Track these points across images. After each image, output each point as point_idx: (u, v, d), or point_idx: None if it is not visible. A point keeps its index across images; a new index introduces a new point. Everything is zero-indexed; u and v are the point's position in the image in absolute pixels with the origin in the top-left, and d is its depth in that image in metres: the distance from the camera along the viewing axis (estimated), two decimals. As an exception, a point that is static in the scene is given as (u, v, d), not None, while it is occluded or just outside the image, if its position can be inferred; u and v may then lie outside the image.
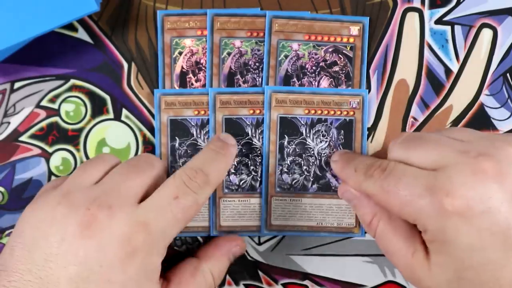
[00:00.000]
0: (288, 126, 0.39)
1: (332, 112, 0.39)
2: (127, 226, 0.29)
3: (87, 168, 0.34)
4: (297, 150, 0.39)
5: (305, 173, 0.39)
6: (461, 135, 0.32)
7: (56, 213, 0.30)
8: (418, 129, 0.40)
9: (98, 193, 0.31)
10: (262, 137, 0.39)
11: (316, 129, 0.39)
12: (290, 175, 0.39)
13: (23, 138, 0.39)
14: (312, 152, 0.39)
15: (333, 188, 0.39)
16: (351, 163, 0.35)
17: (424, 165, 0.30)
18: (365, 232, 0.40)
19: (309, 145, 0.39)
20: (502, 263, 0.28)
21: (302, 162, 0.39)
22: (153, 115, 0.39)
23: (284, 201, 0.39)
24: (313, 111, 0.39)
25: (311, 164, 0.39)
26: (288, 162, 0.39)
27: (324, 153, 0.39)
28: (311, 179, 0.39)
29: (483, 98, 0.39)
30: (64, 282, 0.28)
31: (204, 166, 0.34)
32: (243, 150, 0.39)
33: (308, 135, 0.39)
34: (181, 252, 0.40)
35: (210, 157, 0.35)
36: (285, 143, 0.39)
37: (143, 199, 0.32)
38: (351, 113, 0.39)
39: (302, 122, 0.39)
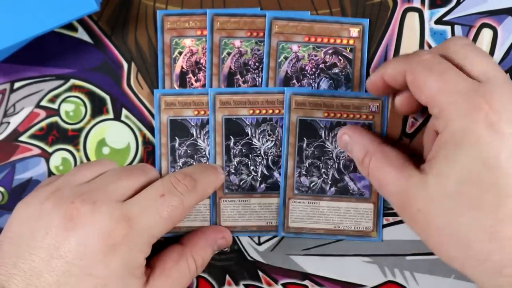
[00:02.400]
0: (307, 129, 0.39)
1: (351, 116, 0.39)
2: (109, 220, 0.30)
3: (81, 169, 0.34)
4: (315, 152, 0.39)
5: (323, 176, 0.39)
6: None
7: (43, 208, 0.30)
8: (419, 128, 0.39)
9: (85, 190, 0.31)
10: (262, 137, 0.39)
11: (335, 132, 0.39)
12: (308, 177, 0.39)
13: (23, 138, 0.39)
14: (331, 155, 0.39)
15: (351, 191, 0.39)
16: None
17: (472, 73, 0.30)
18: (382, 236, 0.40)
19: (328, 148, 0.39)
20: (508, 192, 0.27)
21: (321, 165, 0.39)
22: (153, 115, 0.39)
23: (302, 204, 0.39)
24: (332, 114, 0.39)
25: (329, 167, 0.39)
26: (307, 165, 0.39)
27: (342, 156, 0.39)
28: (329, 182, 0.39)
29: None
30: (46, 275, 0.28)
31: (194, 174, 0.35)
32: (243, 151, 0.39)
33: (327, 138, 0.39)
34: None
35: (202, 169, 0.36)
36: (304, 145, 0.39)
37: (133, 194, 0.32)
38: (370, 117, 0.39)
39: (322, 125, 0.39)
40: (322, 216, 0.39)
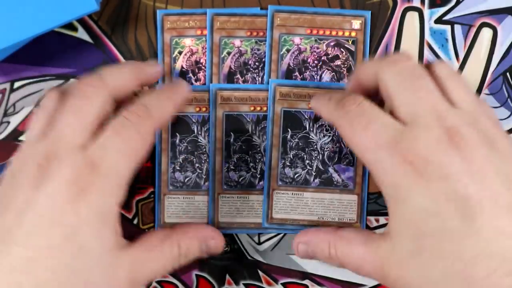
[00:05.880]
0: (291, 120, 0.39)
1: None
2: (74, 170, 0.29)
3: (33, 121, 0.33)
4: (300, 144, 0.39)
5: (308, 167, 0.39)
6: (458, 93, 0.31)
7: (13, 178, 0.30)
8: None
9: (45, 146, 0.30)
10: (263, 134, 0.39)
11: (320, 123, 0.39)
12: (293, 169, 0.39)
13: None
14: (315, 146, 0.39)
15: (335, 183, 0.39)
16: (328, 94, 0.35)
17: (398, 113, 0.30)
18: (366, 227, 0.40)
19: (312, 139, 0.39)
20: (461, 233, 0.27)
21: (305, 156, 0.39)
22: (153, 115, 0.39)
23: (286, 195, 0.39)
24: None
25: (313, 158, 0.39)
26: (291, 156, 0.39)
27: (327, 148, 0.39)
28: (313, 174, 0.39)
29: (483, 97, 0.39)
30: (15, 230, 0.28)
31: (145, 101, 0.33)
32: (243, 147, 0.39)
33: (311, 129, 0.39)
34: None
35: (153, 94, 0.34)
36: (288, 136, 0.39)
37: (91, 136, 0.31)
38: None
39: (306, 116, 0.39)
40: (306, 207, 0.39)
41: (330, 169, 0.39)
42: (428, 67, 0.32)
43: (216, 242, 0.36)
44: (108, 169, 0.30)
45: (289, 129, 0.39)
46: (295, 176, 0.39)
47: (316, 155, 0.39)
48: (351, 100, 0.32)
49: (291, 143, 0.39)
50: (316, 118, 0.39)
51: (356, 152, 0.31)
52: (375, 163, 0.30)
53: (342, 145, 0.39)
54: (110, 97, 0.32)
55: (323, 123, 0.39)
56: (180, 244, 0.34)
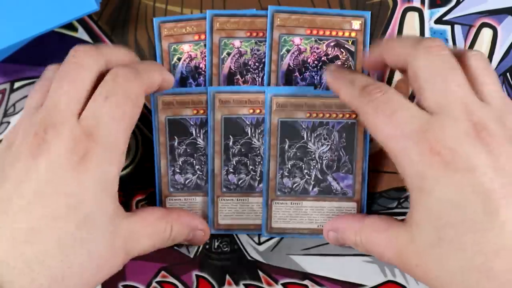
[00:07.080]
0: (289, 130, 0.39)
1: (334, 115, 0.39)
2: (72, 138, 0.29)
3: (31, 93, 0.33)
4: (298, 154, 0.39)
5: (306, 176, 0.39)
6: (488, 88, 0.30)
7: (11, 148, 0.30)
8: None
9: (42, 116, 0.30)
10: (262, 137, 0.39)
11: (318, 133, 0.39)
12: (291, 178, 0.39)
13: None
14: (314, 155, 0.39)
15: (334, 191, 0.39)
16: (349, 75, 0.34)
17: (426, 104, 0.30)
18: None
19: (310, 148, 0.39)
20: (484, 226, 0.27)
21: (303, 165, 0.39)
22: (153, 115, 0.40)
23: (284, 205, 0.39)
24: (314, 115, 0.39)
25: (312, 167, 0.39)
26: (289, 166, 0.39)
27: (325, 157, 0.39)
28: (312, 183, 0.39)
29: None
30: (16, 199, 0.28)
31: (132, 63, 0.33)
32: (242, 150, 0.39)
33: (309, 138, 0.39)
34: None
35: (141, 61, 0.35)
36: (286, 147, 0.39)
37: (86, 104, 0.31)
38: (354, 115, 0.39)
39: (304, 126, 0.39)
40: (305, 216, 0.39)
41: (329, 178, 0.39)
42: (462, 55, 0.31)
43: (202, 235, 0.37)
44: (105, 137, 0.30)
45: (286, 140, 0.39)
46: (294, 186, 0.39)
47: (314, 164, 0.39)
48: (377, 88, 0.31)
49: (289, 153, 0.39)
50: (314, 128, 0.39)
51: (379, 140, 0.31)
52: (399, 152, 0.29)
53: (341, 154, 0.39)
54: (105, 68, 0.32)
55: (320, 132, 0.39)
56: (173, 226, 0.34)
